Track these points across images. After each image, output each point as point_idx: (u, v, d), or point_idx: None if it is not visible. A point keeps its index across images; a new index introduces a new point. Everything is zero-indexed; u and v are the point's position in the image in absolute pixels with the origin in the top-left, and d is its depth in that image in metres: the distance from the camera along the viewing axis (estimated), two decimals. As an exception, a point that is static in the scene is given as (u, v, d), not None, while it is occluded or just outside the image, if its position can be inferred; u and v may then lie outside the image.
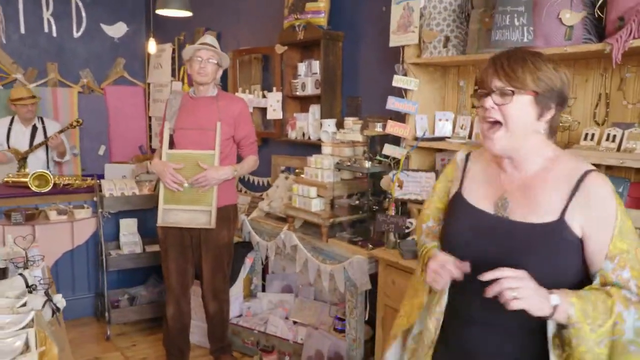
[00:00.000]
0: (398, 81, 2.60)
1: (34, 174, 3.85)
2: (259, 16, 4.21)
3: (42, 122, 4.52)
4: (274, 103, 3.84)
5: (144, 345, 3.53)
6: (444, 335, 1.40)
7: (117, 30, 5.55)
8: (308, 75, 3.63)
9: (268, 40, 3.97)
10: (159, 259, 3.11)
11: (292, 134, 3.77)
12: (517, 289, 1.12)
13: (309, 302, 3.52)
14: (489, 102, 1.26)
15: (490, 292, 1.14)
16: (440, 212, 1.54)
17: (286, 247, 3.24)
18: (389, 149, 2.64)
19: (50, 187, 3.83)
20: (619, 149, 1.95)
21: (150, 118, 5.66)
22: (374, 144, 2.97)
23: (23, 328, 1.37)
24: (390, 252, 2.60)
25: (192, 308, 3.14)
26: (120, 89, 5.59)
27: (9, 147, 4.34)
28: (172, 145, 2.86)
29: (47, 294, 1.77)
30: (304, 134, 3.69)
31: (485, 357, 1.33)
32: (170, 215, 2.84)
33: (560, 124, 2.08)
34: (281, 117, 3.82)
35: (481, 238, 1.32)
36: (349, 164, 2.95)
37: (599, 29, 1.99)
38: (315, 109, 3.58)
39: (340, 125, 3.32)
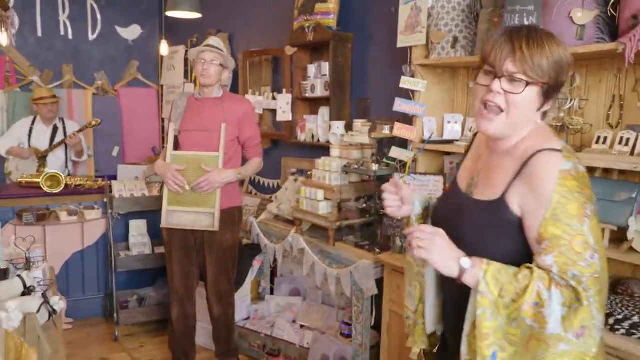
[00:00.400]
0: (405, 82, 2.54)
1: (46, 174, 3.89)
2: (269, 18, 4.19)
3: (63, 123, 4.62)
4: (283, 105, 3.81)
5: (151, 347, 3.53)
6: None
7: (131, 32, 5.58)
8: (318, 77, 3.60)
9: (279, 41, 3.95)
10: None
11: (302, 136, 3.74)
12: (424, 240, 1.14)
13: (317, 306, 3.48)
14: (496, 85, 1.16)
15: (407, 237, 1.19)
16: None
17: (294, 250, 3.21)
18: (395, 152, 2.59)
19: (62, 188, 3.87)
20: (632, 153, 1.87)
21: (163, 120, 5.69)
22: (383, 146, 2.92)
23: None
24: (396, 257, 2.55)
25: (198, 310, 3.12)
26: (133, 91, 5.63)
27: (29, 146, 4.44)
28: (177, 146, 2.85)
29: (44, 296, 1.76)
30: (313, 136, 3.66)
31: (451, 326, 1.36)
32: (174, 216, 2.83)
33: (571, 127, 2.01)
34: (291, 119, 3.80)
35: (450, 215, 1.33)
36: (356, 166, 2.91)
37: (612, 27, 1.91)
38: (324, 111, 3.54)
39: (349, 127, 3.28)
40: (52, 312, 1.75)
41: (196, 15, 3.74)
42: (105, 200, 3.77)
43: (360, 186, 3.05)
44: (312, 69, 3.64)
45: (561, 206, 1.09)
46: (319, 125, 3.58)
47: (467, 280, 1.14)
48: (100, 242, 3.84)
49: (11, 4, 5.07)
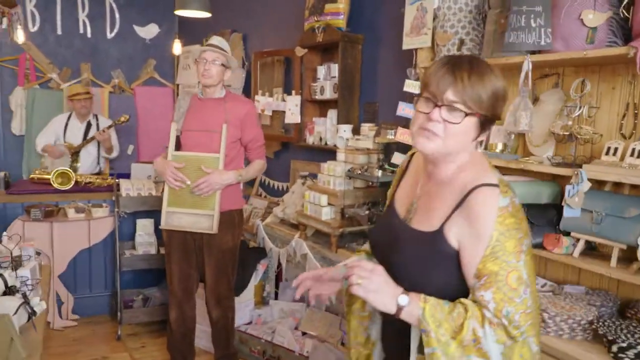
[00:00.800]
0: (409, 86, 2.45)
1: (56, 171, 3.92)
2: (282, 18, 4.14)
3: (97, 119, 4.70)
4: (292, 107, 3.75)
5: (152, 348, 3.51)
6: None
7: (148, 31, 5.61)
8: (327, 78, 3.52)
9: (291, 42, 3.88)
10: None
11: (310, 139, 3.67)
12: (363, 278, 1.14)
13: (320, 313, 3.40)
14: (435, 114, 1.16)
15: (348, 279, 1.16)
16: None
17: (297, 255, 3.15)
18: (398, 158, 2.50)
19: (71, 185, 3.89)
20: (644, 166, 1.74)
21: (178, 119, 5.69)
22: (389, 151, 2.83)
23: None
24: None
25: (199, 313, 3.08)
26: (149, 90, 5.65)
27: (64, 141, 4.52)
28: (178, 146, 2.81)
29: (24, 296, 1.73)
30: (321, 139, 3.58)
31: (389, 346, 1.39)
32: (173, 218, 2.79)
33: (580, 136, 1.88)
34: (299, 121, 3.73)
35: (388, 241, 1.30)
36: (360, 172, 2.82)
37: (625, 30, 1.78)
38: (333, 114, 3.46)
39: (357, 131, 3.20)
40: (32, 314, 1.72)
41: (206, 15, 3.71)
42: (113, 198, 3.77)
43: (365, 192, 2.97)
44: (321, 71, 3.57)
45: (500, 244, 1.13)
46: (327, 128, 3.51)
47: (405, 317, 1.16)
48: (108, 240, 3.85)
49: (32, 3, 5.17)
